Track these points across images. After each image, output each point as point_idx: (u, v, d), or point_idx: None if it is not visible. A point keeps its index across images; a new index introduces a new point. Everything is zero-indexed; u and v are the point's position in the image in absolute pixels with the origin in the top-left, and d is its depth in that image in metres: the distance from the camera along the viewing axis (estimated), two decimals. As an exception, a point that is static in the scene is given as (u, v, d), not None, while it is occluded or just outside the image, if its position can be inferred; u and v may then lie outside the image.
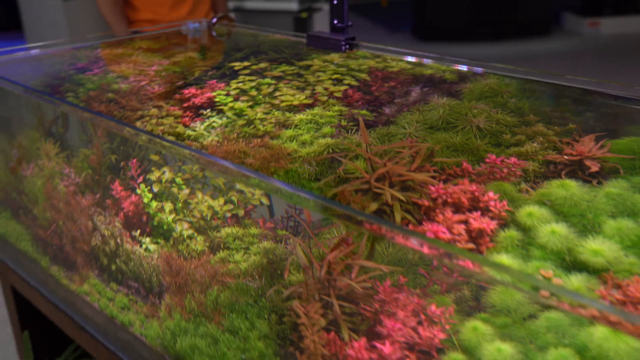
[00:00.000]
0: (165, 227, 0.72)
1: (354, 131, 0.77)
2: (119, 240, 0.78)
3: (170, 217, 0.72)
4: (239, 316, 0.65)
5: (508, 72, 0.94)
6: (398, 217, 0.60)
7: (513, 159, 0.66)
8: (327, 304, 0.57)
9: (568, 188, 0.61)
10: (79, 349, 1.11)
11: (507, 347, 0.50)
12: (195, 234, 0.70)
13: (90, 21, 3.60)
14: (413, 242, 0.47)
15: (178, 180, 0.71)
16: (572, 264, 0.55)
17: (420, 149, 0.68)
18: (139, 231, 0.75)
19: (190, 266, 0.69)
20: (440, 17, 5.99)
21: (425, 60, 1.03)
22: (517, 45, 5.81)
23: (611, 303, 0.50)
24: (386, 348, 0.52)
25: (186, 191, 0.70)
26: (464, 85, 0.92)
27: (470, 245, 0.57)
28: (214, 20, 1.29)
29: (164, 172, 0.72)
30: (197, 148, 0.74)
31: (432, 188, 0.61)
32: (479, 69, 0.97)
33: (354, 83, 0.94)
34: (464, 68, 0.99)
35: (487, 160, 0.67)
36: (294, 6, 4.28)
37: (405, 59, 1.05)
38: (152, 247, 0.74)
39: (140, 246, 0.75)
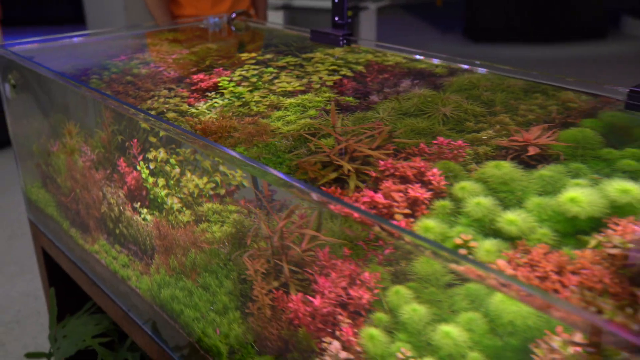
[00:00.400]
0: (159, 200, 0.84)
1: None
2: (122, 208, 0.90)
3: (163, 192, 0.83)
4: (211, 275, 0.76)
5: (505, 72, 1.02)
6: (352, 184, 0.69)
7: (460, 142, 0.75)
8: (278, 266, 0.67)
9: (501, 168, 0.69)
10: (95, 305, 1.24)
11: (421, 308, 0.59)
12: (183, 208, 0.81)
13: (148, 15, 3.79)
14: (345, 209, 0.57)
15: (172, 160, 0.82)
16: (491, 231, 0.63)
17: (382, 130, 0.77)
18: (138, 203, 0.87)
19: (176, 233, 0.81)
20: (491, 18, 5.97)
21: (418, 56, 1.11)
22: (571, 48, 5.73)
23: (517, 265, 0.58)
24: (316, 301, 0.61)
25: (177, 170, 0.82)
26: (448, 79, 1.00)
27: (407, 211, 0.65)
28: (233, 15, 1.40)
29: (159, 152, 0.83)
30: (196, 122, 0.85)
31: (382, 162, 0.70)
32: (483, 69, 1.04)
33: (349, 74, 1.04)
34: (463, 66, 1.06)
35: (435, 142, 0.75)
36: None
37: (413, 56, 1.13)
38: (148, 217, 0.86)
39: (139, 215, 0.87)
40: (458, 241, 0.62)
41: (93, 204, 0.98)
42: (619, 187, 0.63)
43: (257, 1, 2.62)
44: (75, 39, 1.31)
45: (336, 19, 1.06)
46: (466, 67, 1.05)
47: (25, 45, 1.24)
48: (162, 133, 0.84)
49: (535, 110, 0.88)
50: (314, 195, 0.58)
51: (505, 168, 0.69)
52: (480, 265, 0.50)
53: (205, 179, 0.79)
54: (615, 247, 0.54)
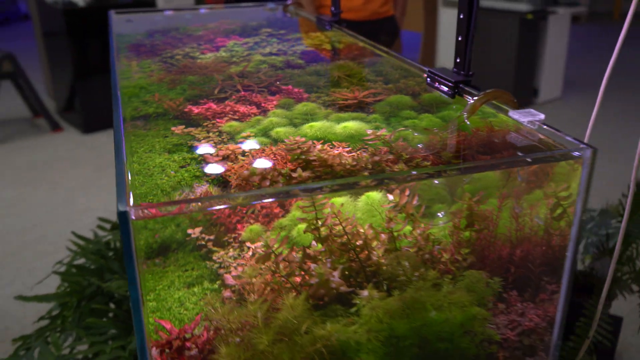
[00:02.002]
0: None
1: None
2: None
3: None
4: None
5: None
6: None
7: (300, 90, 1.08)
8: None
9: (308, 106, 1.02)
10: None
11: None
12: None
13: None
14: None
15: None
16: (272, 136, 0.97)
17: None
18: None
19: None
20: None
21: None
22: None
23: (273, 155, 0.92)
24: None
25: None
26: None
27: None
28: (289, 2, 1.79)
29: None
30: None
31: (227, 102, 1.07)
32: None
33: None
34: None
35: (297, 90, 1.09)
36: (522, 7, 4.37)
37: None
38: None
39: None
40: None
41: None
42: (349, 125, 0.94)
43: None
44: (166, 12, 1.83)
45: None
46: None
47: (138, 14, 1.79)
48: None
49: (383, 83, 1.16)
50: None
51: (313, 107, 1.02)
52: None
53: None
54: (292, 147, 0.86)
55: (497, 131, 0.81)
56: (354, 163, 0.80)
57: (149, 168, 0.83)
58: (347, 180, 0.75)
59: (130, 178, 0.71)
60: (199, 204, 0.67)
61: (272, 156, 0.83)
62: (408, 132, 0.90)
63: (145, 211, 0.60)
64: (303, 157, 0.81)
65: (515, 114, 0.81)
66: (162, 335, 0.78)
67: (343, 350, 0.72)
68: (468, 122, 0.84)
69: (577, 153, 0.70)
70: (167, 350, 0.77)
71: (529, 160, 0.72)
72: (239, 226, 0.79)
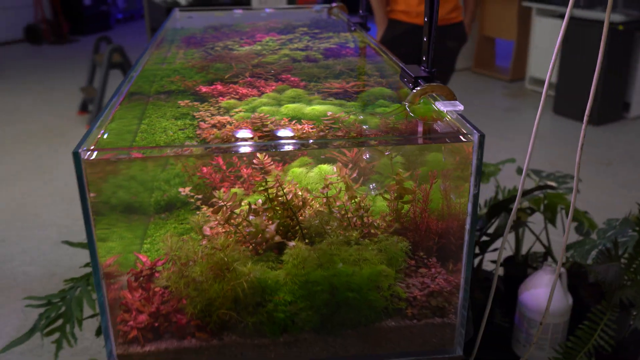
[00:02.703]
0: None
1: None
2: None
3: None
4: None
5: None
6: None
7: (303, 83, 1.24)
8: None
9: (297, 92, 1.18)
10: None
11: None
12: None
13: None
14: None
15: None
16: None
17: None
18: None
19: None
20: None
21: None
22: None
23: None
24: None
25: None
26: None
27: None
28: (334, 4, 1.94)
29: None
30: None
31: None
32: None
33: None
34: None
35: (293, 78, 1.25)
36: (614, 17, 4.25)
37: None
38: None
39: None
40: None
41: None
42: (317, 108, 1.08)
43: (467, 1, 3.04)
44: (235, 11, 2.04)
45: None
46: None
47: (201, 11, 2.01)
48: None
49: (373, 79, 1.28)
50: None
51: (295, 91, 1.18)
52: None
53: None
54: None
55: (423, 118, 0.93)
56: (303, 134, 0.95)
57: (154, 129, 1.02)
58: (278, 142, 0.90)
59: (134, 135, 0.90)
60: (144, 152, 0.84)
61: (245, 125, 0.99)
62: (363, 116, 1.04)
63: (91, 153, 0.78)
64: (263, 128, 0.97)
65: (440, 105, 0.92)
66: (138, 265, 0.97)
67: (263, 288, 0.88)
68: (408, 109, 0.97)
69: (469, 137, 0.81)
70: (140, 278, 0.96)
71: (429, 138, 0.84)
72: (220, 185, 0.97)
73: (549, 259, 1.93)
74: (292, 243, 0.90)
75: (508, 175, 2.24)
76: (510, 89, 5.23)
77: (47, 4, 7.63)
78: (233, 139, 0.93)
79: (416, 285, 0.92)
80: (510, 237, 2.10)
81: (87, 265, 1.66)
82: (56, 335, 1.51)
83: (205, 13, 2.13)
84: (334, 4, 1.95)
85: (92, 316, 1.64)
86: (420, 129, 0.91)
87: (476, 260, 1.92)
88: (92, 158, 0.78)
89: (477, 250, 1.93)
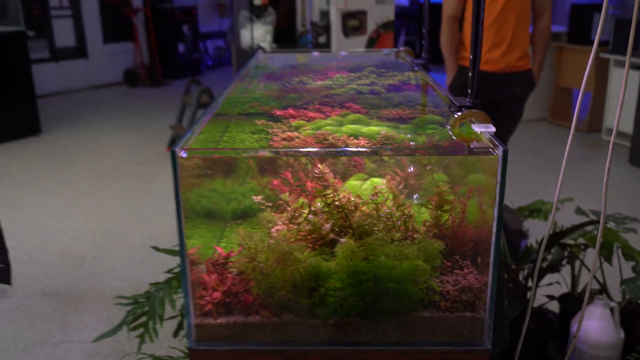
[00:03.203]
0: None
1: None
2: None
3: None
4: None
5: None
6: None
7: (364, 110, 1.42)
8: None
9: (357, 116, 1.35)
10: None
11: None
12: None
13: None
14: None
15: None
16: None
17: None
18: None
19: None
20: None
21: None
22: None
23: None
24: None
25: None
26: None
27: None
28: (401, 48, 2.12)
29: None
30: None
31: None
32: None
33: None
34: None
35: (356, 106, 1.43)
36: None
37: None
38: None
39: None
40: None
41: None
42: (372, 128, 1.25)
43: (535, 48, 3.16)
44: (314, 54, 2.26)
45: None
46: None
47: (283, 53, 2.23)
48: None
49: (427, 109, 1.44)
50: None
51: (356, 116, 1.35)
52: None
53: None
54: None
55: (462, 138, 1.08)
56: (358, 146, 1.12)
57: (234, 140, 1.22)
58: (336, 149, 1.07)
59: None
60: (230, 151, 1.03)
61: (310, 139, 1.17)
62: (411, 135, 1.20)
63: (188, 154, 0.97)
64: (324, 141, 1.15)
65: (476, 127, 1.07)
66: (215, 256, 1.15)
67: (317, 275, 1.03)
68: (450, 132, 1.12)
69: (495, 151, 0.95)
70: (217, 265, 1.14)
71: (462, 151, 0.99)
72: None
73: (603, 295, 1.98)
74: (343, 240, 1.06)
75: (568, 216, 2.31)
76: (586, 139, 5.21)
77: (146, 51, 8.27)
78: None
79: (449, 282, 1.05)
80: (567, 274, 2.16)
81: (169, 271, 1.87)
82: (140, 330, 1.72)
83: (286, 55, 2.37)
84: (401, 48, 2.13)
85: (172, 317, 1.84)
86: (461, 146, 1.06)
87: (529, 293, 2.00)
88: (184, 156, 0.97)
89: (529, 284, 2.01)
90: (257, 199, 1.26)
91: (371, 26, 4.63)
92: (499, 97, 3.17)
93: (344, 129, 1.24)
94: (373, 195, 1.11)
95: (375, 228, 1.08)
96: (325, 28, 4.36)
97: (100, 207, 3.90)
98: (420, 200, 1.15)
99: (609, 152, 1.16)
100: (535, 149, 4.96)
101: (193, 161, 1.03)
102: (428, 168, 1.13)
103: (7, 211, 3.72)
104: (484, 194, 1.07)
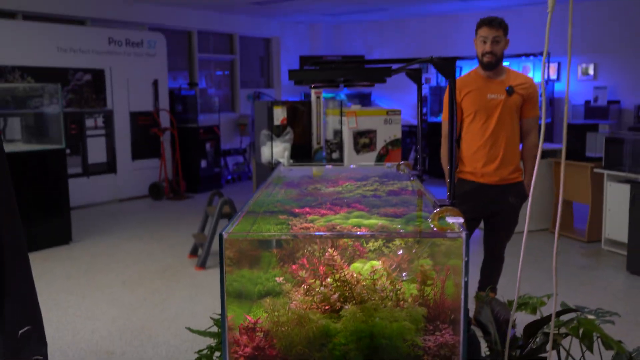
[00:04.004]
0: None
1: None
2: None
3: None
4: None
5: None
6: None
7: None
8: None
9: (361, 213, 1.68)
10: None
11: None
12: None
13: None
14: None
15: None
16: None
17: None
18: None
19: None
20: None
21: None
22: None
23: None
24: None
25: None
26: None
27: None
28: (401, 162, 2.48)
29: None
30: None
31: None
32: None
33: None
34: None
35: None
36: None
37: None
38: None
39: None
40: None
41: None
42: (372, 221, 1.58)
43: (526, 164, 3.52)
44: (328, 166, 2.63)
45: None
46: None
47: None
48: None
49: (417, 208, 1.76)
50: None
51: (360, 213, 1.68)
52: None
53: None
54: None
55: (439, 227, 1.39)
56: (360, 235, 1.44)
57: (261, 229, 1.54)
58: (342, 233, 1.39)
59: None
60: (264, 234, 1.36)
61: (321, 228, 1.50)
62: (401, 226, 1.52)
63: (229, 236, 1.30)
64: (333, 229, 1.47)
65: (449, 219, 1.39)
66: (245, 322, 1.44)
67: (326, 333, 1.32)
68: (431, 224, 1.44)
69: (456, 235, 1.27)
70: (246, 328, 1.43)
71: (434, 234, 1.31)
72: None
73: (586, 381, 2.19)
74: (347, 306, 1.36)
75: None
76: (586, 249, 5.47)
77: (171, 166, 8.82)
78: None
79: (431, 340, 1.33)
80: (555, 362, 2.38)
81: (199, 351, 2.13)
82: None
83: (303, 168, 2.74)
84: (401, 162, 2.50)
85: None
86: (434, 231, 1.38)
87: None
88: (228, 238, 1.30)
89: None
90: (279, 279, 1.56)
91: (380, 143, 5.07)
92: (495, 207, 3.50)
93: (349, 221, 1.57)
94: (371, 272, 1.41)
95: (372, 298, 1.37)
96: (338, 145, 4.80)
97: (126, 308, 4.18)
98: (409, 277, 1.45)
99: (555, 240, 1.46)
100: (537, 257, 5.22)
101: (232, 242, 1.36)
102: (414, 251, 1.44)
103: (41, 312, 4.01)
104: (457, 273, 1.37)
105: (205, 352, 2.10)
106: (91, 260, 5.38)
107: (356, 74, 1.70)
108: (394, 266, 1.47)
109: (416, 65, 1.88)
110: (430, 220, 1.45)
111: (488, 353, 2.13)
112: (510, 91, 3.36)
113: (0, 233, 2.70)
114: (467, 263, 1.26)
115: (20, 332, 2.98)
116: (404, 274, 1.44)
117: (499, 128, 3.41)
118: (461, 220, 1.38)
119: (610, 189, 5.18)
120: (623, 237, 4.95)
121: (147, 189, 8.58)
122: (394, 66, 1.84)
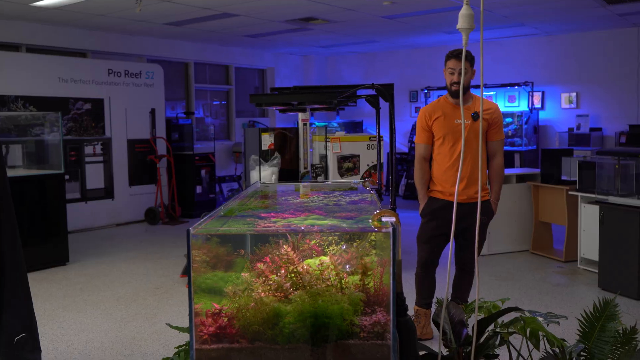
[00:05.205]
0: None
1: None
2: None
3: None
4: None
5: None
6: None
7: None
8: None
9: (317, 216, 1.93)
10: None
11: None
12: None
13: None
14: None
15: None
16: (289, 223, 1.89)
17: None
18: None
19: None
20: None
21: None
22: None
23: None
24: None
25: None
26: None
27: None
28: (367, 179, 2.73)
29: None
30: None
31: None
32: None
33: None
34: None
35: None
36: None
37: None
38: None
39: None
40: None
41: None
42: (325, 221, 1.83)
43: (492, 184, 3.78)
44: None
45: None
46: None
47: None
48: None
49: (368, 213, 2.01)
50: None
51: (317, 216, 1.93)
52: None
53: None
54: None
55: (376, 225, 1.64)
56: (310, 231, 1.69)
57: (230, 227, 1.79)
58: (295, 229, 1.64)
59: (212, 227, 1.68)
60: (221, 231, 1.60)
61: (281, 227, 1.74)
62: (346, 225, 1.77)
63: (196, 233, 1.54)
64: (290, 226, 1.72)
65: (384, 218, 1.64)
66: (211, 308, 1.68)
67: (278, 314, 1.56)
68: (370, 223, 1.69)
69: (386, 230, 1.51)
70: (212, 312, 1.67)
71: (367, 230, 1.55)
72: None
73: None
74: (297, 292, 1.60)
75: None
76: (564, 268, 5.69)
77: (166, 192, 9.08)
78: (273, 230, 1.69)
79: (367, 320, 1.57)
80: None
81: (178, 347, 2.35)
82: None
83: (279, 184, 3.00)
84: (367, 179, 2.76)
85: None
86: (369, 227, 1.62)
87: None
88: (195, 233, 1.55)
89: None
90: (245, 275, 1.81)
91: (364, 167, 5.33)
92: (463, 223, 3.75)
93: (305, 221, 1.82)
94: (318, 265, 1.65)
95: (319, 285, 1.61)
96: (323, 169, 5.06)
97: (119, 322, 4.39)
98: (352, 269, 1.69)
99: (478, 211, 1.70)
100: (515, 276, 5.44)
101: (199, 237, 1.60)
102: (356, 247, 1.69)
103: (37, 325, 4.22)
104: (389, 265, 1.62)
105: (183, 347, 2.33)
106: (87, 279, 5.60)
107: (307, 98, 1.96)
108: (339, 260, 1.72)
109: (369, 91, 2.14)
110: (370, 220, 1.70)
111: (447, 354, 2.36)
112: (475, 117, 3.63)
113: (2, 248, 2.95)
114: (395, 252, 1.51)
115: (16, 338, 3.20)
116: (347, 266, 1.69)
117: (466, 150, 3.68)
118: (394, 219, 1.63)
119: (584, 210, 5.42)
120: (597, 255, 5.18)
121: (144, 214, 8.82)
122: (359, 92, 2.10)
